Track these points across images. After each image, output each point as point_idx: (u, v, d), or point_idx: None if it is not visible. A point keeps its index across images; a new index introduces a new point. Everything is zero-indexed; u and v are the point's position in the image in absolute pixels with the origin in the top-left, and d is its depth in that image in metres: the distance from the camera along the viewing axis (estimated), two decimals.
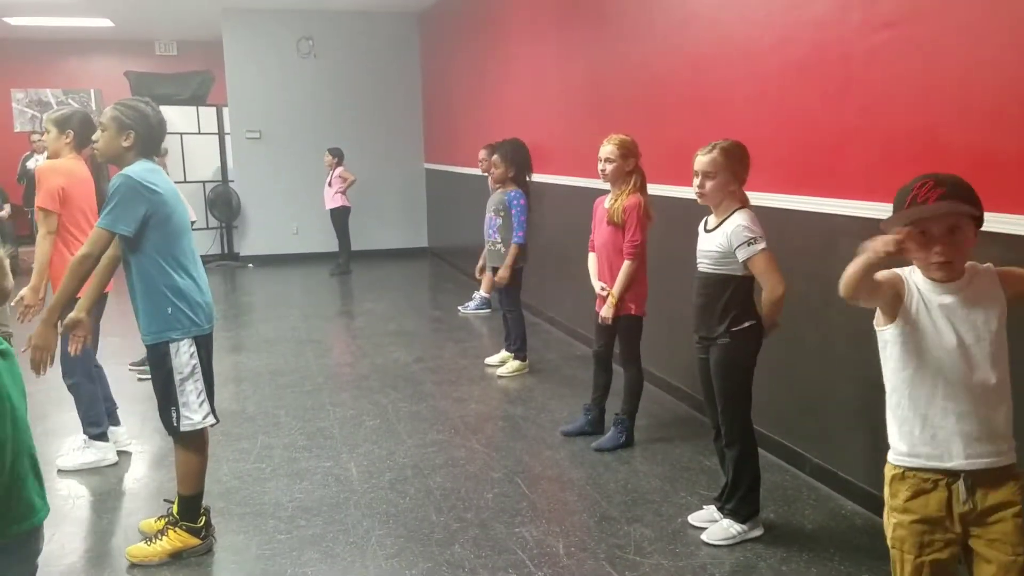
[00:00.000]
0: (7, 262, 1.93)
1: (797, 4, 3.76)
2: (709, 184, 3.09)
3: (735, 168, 3.08)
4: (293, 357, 6.13)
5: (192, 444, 3.19)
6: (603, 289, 4.20)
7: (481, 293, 7.68)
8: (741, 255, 3.04)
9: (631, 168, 4.04)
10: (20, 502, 1.87)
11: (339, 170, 9.80)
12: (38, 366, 2.98)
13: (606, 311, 4.06)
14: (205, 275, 3.26)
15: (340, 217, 9.95)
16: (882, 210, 3.28)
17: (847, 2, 3.45)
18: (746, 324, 3.13)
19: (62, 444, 4.41)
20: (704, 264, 3.19)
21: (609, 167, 4.03)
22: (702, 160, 3.10)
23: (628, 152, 4.02)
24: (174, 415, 3.12)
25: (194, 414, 3.14)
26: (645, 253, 4.08)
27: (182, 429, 3.14)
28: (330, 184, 9.86)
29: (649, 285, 4.18)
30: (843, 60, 3.48)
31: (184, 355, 3.10)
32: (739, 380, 3.20)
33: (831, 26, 3.54)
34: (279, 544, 3.28)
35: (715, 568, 3.06)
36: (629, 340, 4.18)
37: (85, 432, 4.15)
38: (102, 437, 4.15)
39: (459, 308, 7.73)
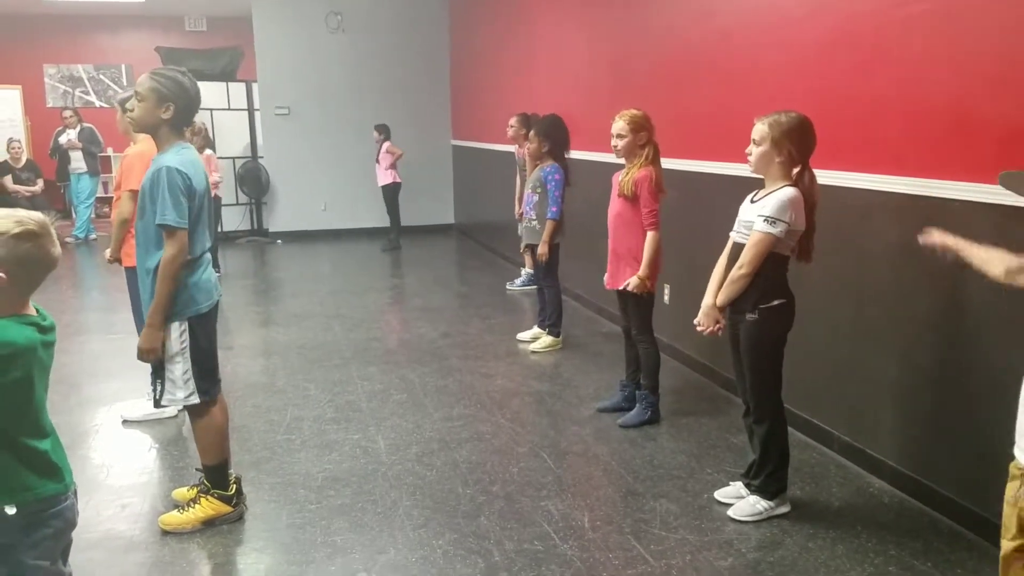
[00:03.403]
0: (53, 229, 1.94)
1: None
2: (755, 151, 3.09)
3: (781, 141, 3.03)
4: (322, 331, 6.18)
5: (202, 417, 3.23)
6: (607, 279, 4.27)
7: (526, 269, 7.70)
8: (756, 224, 3.03)
9: (643, 142, 4.05)
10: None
11: (387, 145, 9.75)
12: (148, 363, 3.14)
13: (634, 282, 4.05)
14: (209, 254, 3.24)
15: (391, 193, 9.89)
16: (914, 184, 3.25)
17: None
18: (775, 302, 3.11)
19: (96, 414, 4.50)
20: (741, 235, 3.15)
21: (621, 143, 4.05)
22: (755, 128, 3.10)
23: (639, 126, 4.02)
24: (159, 389, 3.16)
25: (178, 391, 3.14)
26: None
27: (163, 404, 3.20)
28: (379, 161, 9.81)
29: (677, 260, 4.17)
30: (877, 30, 3.42)
31: (173, 334, 3.09)
32: (767, 357, 3.18)
33: None
34: (309, 513, 3.34)
35: (741, 544, 3.06)
36: (640, 315, 4.18)
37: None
38: None
39: (507, 285, 7.75)
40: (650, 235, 4.04)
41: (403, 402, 4.63)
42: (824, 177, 3.67)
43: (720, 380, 4.74)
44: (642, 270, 4.03)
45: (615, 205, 4.17)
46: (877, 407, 3.57)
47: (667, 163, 4.98)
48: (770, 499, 3.26)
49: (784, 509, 3.29)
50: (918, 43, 3.22)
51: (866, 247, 3.58)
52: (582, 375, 5.07)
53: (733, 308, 3.21)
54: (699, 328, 3.25)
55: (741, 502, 3.30)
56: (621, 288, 4.17)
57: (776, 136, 3.03)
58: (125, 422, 4.38)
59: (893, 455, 3.49)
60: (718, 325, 3.23)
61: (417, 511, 3.34)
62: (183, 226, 2.98)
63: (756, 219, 3.04)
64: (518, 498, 3.45)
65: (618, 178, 4.17)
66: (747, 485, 3.34)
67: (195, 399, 3.18)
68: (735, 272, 3.10)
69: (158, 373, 3.15)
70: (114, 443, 4.15)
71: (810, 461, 3.77)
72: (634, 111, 4.08)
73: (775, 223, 3.00)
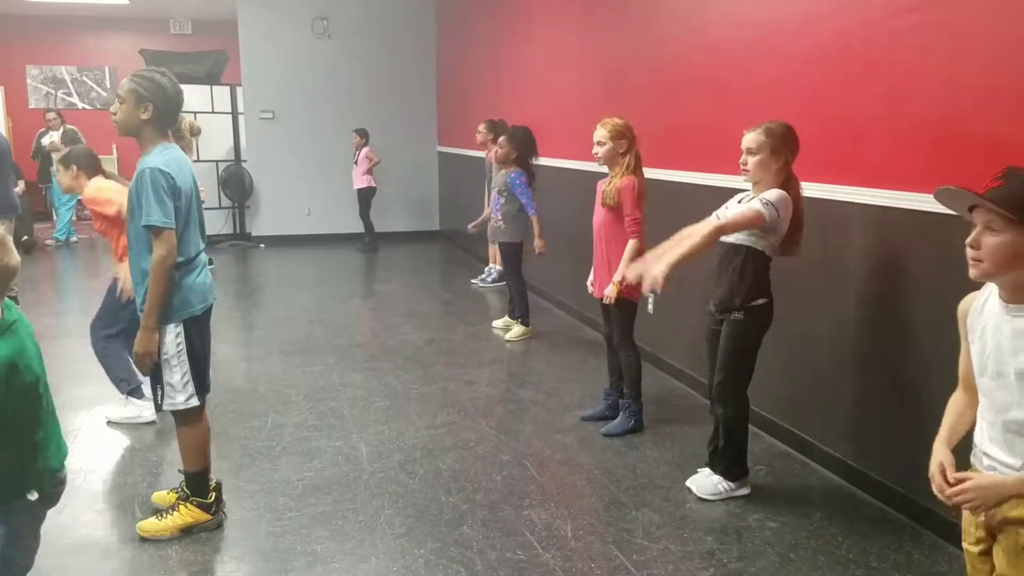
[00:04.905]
0: (10, 239, 2.00)
1: None
2: (751, 160, 3.24)
3: (777, 147, 3.20)
4: (304, 337, 6.15)
5: (188, 421, 3.21)
6: (591, 283, 4.32)
7: (492, 266, 8.17)
8: (754, 203, 3.18)
9: (623, 150, 4.07)
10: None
11: (366, 150, 9.91)
12: (145, 370, 3.13)
13: (610, 290, 4.07)
14: (204, 255, 3.24)
15: (364, 197, 10.07)
16: (900, 199, 3.26)
17: None
18: (760, 302, 3.28)
19: (74, 419, 4.45)
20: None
21: (601, 150, 4.10)
22: (747, 137, 3.25)
23: (619, 135, 4.05)
24: (159, 393, 3.15)
25: (177, 395, 3.13)
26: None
27: (164, 407, 3.18)
28: (357, 164, 9.96)
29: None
30: (866, 45, 3.44)
31: (169, 337, 3.08)
32: (747, 352, 3.37)
33: (854, 10, 3.50)
34: (289, 521, 3.30)
35: (723, 554, 3.06)
36: (622, 324, 4.21)
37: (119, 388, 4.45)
38: (136, 393, 4.40)
39: (472, 281, 8.20)
40: (631, 243, 4.05)
41: (386, 409, 4.60)
42: (809, 190, 3.69)
43: (703, 389, 4.73)
44: (616, 274, 4.05)
45: (599, 214, 4.19)
46: (858, 419, 3.58)
47: (657, 173, 5.00)
48: (732, 481, 3.46)
49: (744, 491, 3.49)
50: (907, 57, 3.24)
51: (848, 261, 3.59)
52: (566, 383, 5.06)
53: (719, 307, 3.37)
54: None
55: (704, 480, 3.50)
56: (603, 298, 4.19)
57: (775, 144, 3.20)
58: (109, 422, 4.38)
59: (875, 467, 3.50)
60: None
61: (399, 519, 3.32)
62: (169, 225, 2.96)
63: (753, 200, 3.20)
64: (501, 507, 3.43)
65: (602, 187, 4.18)
66: (712, 471, 3.53)
67: (194, 402, 3.17)
68: (709, 222, 3.21)
69: (156, 378, 3.12)
70: (92, 448, 4.10)
71: (792, 472, 3.78)
72: (616, 119, 4.11)
73: (769, 205, 3.15)
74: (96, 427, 4.35)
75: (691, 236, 3.14)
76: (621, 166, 4.08)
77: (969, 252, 1.76)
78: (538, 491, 3.59)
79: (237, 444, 4.08)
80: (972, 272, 1.77)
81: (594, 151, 4.14)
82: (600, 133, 4.10)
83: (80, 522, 3.30)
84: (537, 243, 5.89)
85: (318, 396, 4.81)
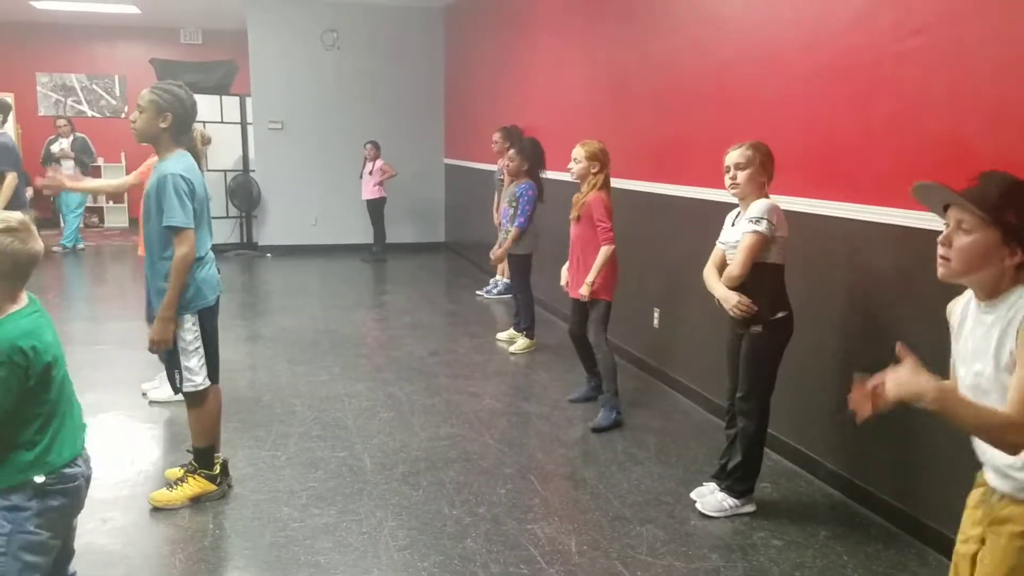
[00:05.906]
0: (34, 226, 2.15)
1: (827, 7, 3.73)
2: (741, 175, 3.28)
3: (766, 162, 3.29)
4: (309, 347, 6.15)
5: (200, 402, 3.50)
6: (566, 284, 4.68)
7: (500, 278, 8.21)
8: (744, 228, 3.23)
9: (596, 170, 4.48)
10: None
11: (380, 163, 10.01)
12: (160, 356, 3.52)
13: (584, 290, 4.42)
14: (212, 253, 3.53)
15: (377, 207, 10.20)
16: (905, 217, 3.26)
17: (878, 7, 3.43)
18: (780, 315, 3.31)
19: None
20: (733, 255, 3.34)
21: (576, 167, 4.52)
22: (734, 154, 3.30)
23: (593, 156, 4.47)
24: (178, 377, 3.45)
25: (196, 376, 3.45)
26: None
27: (184, 389, 3.47)
28: (370, 174, 10.05)
29: (667, 284, 4.26)
30: (873, 65, 3.45)
31: (188, 325, 3.39)
32: (766, 369, 3.39)
33: (862, 30, 3.51)
34: (292, 532, 3.30)
35: (728, 571, 3.05)
36: (597, 321, 4.52)
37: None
38: None
39: (477, 293, 8.28)
40: (603, 248, 4.38)
41: (390, 420, 4.60)
42: (813, 206, 3.71)
43: (709, 406, 4.73)
44: (589, 276, 4.40)
45: (574, 227, 4.55)
46: (864, 437, 3.57)
47: (662, 188, 5.03)
48: (737, 498, 3.46)
49: (750, 508, 3.50)
50: (913, 78, 3.24)
51: (855, 278, 3.59)
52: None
53: (737, 321, 3.36)
54: (734, 312, 3.31)
55: (710, 497, 3.51)
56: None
57: (762, 158, 3.27)
58: (152, 403, 4.81)
59: (881, 485, 3.49)
60: (744, 305, 3.27)
61: (402, 532, 3.31)
62: (190, 226, 3.28)
63: (745, 223, 3.24)
64: (505, 520, 3.42)
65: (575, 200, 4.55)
66: (718, 485, 3.54)
67: (207, 383, 3.49)
68: (728, 276, 3.30)
69: (174, 364, 3.43)
70: (96, 456, 4.07)
71: (797, 489, 3.76)
72: (594, 143, 4.51)
73: (759, 221, 3.20)
74: (98, 433, 4.35)
75: (724, 280, 3.32)
76: (590, 183, 4.48)
77: (940, 250, 1.78)
78: (542, 505, 3.58)
79: (241, 454, 4.07)
80: (940, 271, 1.80)
81: (569, 166, 4.53)
82: (577, 152, 4.49)
83: (84, 530, 3.27)
84: (498, 252, 6.00)
85: (322, 406, 4.81)
